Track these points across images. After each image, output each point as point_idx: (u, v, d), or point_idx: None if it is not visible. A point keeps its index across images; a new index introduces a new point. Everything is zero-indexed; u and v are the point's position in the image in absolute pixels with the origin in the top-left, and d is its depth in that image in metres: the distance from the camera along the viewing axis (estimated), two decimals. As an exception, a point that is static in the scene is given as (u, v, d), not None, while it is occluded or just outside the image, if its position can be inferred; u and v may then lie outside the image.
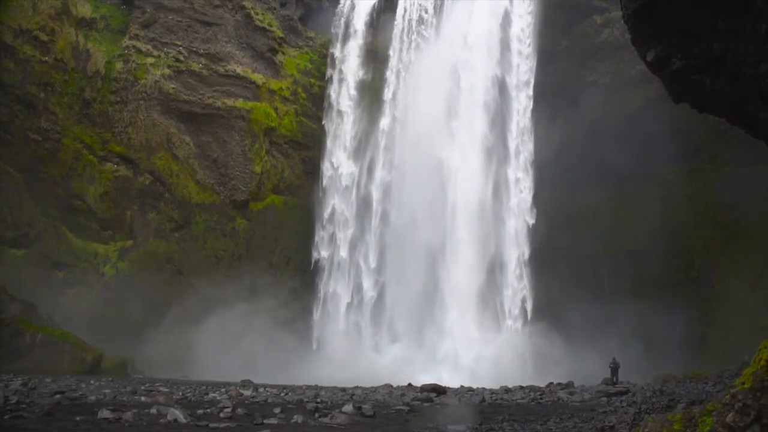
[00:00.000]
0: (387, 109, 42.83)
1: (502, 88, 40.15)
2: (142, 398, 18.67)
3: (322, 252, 42.45)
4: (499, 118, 39.83)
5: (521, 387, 25.67)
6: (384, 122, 42.65)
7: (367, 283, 40.55)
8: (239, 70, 44.34)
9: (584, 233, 37.43)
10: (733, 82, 8.87)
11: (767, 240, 32.38)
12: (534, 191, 38.69)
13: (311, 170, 45.03)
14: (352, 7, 46.51)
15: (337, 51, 45.89)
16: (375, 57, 45.01)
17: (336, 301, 40.92)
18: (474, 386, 26.11)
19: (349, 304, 40.57)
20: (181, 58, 43.71)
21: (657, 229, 36.08)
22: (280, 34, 46.31)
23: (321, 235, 42.80)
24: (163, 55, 43.35)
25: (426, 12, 43.92)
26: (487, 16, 40.87)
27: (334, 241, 42.28)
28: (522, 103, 39.99)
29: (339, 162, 43.50)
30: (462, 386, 26.17)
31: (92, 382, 25.08)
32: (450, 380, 28.80)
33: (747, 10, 7.88)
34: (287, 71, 46.00)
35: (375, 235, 41.19)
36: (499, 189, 39.00)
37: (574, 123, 37.07)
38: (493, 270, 37.77)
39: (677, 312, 32.71)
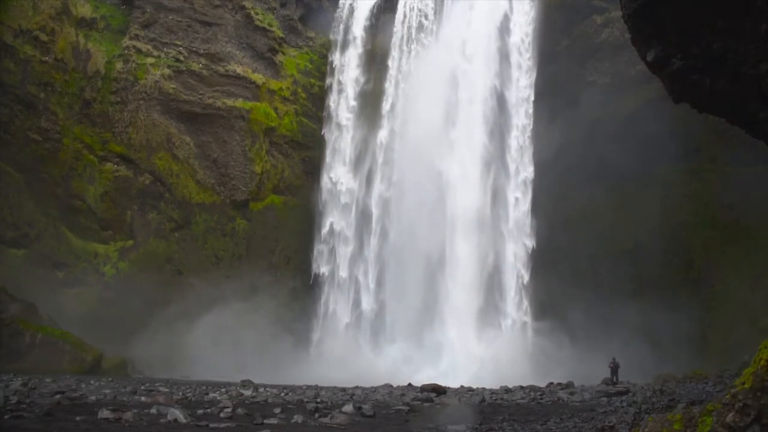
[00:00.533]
0: (385, 122, 42.47)
1: (501, 101, 39.85)
2: (142, 398, 18.66)
3: (321, 268, 42.09)
4: (498, 129, 39.60)
5: (521, 387, 25.66)
6: (382, 135, 42.34)
7: (367, 303, 40.05)
8: (239, 70, 44.35)
9: (584, 233, 37.42)
10: (733, 82, 8.87)
11: (767, 240, 32.39)
12: (533, 211, 38.15)
13: (311, 170, 45.02)
14: (351, 12, 46.20)
15: (336, 59, 45.62)
16: (375, 60, 44.85)
17: (335, 321, 40.33)
18: (474, 386, 26.11)
19: (348, 324, 40.10)
20: (181, 58, 43.72)
21: (657, 229, 36.09)
22: (280, 34, 46.31)
23: (320, 248, 42.41)
24: (163, 55, 43.36)
25: (426, 18, 43.58)
26: (485, 23, 40.49)
27: (334, 258, 41.88)
28: (521, 119, 39.59)
29: (338, 177, 43.19)
30: (462, 386, 26.17)
31: (92, 382, 25.08)
32: (450, 380, 28.77)
33: (747, 10, 7.88)
34: (287, 71, 46.00)
35: (374, 253, 40.74)
36: (497, 203, 38.67)
37: (574, 123, 37.07)
38: (492, 289, 37.34)
39: (677, 312, 32.71)
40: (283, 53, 46.25)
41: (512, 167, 39.26)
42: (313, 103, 46.10)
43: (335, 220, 42.43)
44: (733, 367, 25.47)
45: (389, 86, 43.09)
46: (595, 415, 15.38)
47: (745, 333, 29.95)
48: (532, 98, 39.65)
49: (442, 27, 42.71)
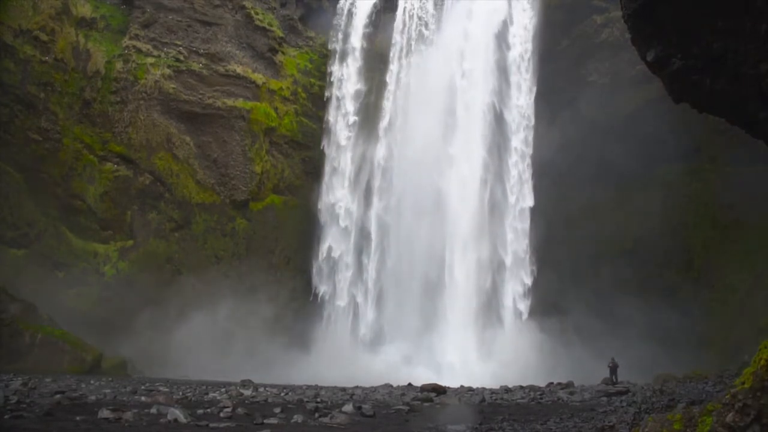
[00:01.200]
0: (383, 140, 42.06)
1: (500, 121, 39.44)
2: (142, 398, 18.66)
3: (321, 287, 41.66)
4: (496, 147, 39.13)
5: (521, 387, 25.67)
6: (380, 155, 41.96)
7: (365, 327, 39.51)
8: (239, 69, 44.34)
9: (584, 233, 37.42)
10: (733, 82, 8.87)
11: (767, 240, 32.40)
12: (533, 242, 37.62)
13: (311, 170, 45.01)
14: (350, 19, 45.78)
15: (335, 70, 45.20)
16: (375, 61, 44.62)
17: (334, 343, 39.69)
18: (474, 386, 26.11)
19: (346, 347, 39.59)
20: (181, 57, 43.72)
21: (657, 229, 36.11)
22: (280, 34, 46.30)
23: (320, 266, 41.96)
24: (163, 55, 43.36)
25: (426, 27, 43.00)
26: (483, 33, 40.01)
27: (333, 282, 41.42)
28: (520, 144, 39.02)
29: (337, 199, 42.79)
30: (462, 386, 26.17)
31: (92, 382, 25.09)
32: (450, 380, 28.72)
33: (747, 10, 7.87)
34: (287, 71, 45.99)
35: (372, 280, 40.20)
36: (495, 222, 38.31)
37: (574, 123, 37.08)
38: (491, 317, 36.97)
39: (677, 312, 32.74)
40: (283, 53, 46.25)
41: (511, 198, 38.82)
42: (313, 102, 46.10)
43: (334, 245, 41.96)
44: (733, 367, 25.47)
45: (387, 103, 42.63)
46: (594, 414, 15.38)
47: (745, 333, 29.97)
48: (533, 121, 39.09)
49: (440, 36, 42.11)
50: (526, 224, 38.28)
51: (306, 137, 45.49)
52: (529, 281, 37.35)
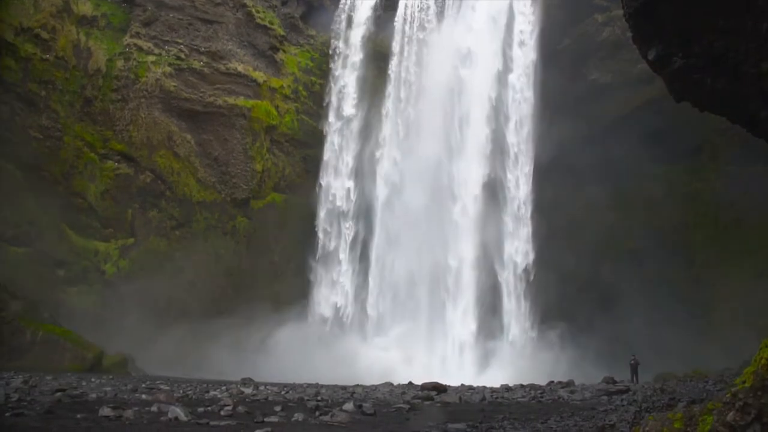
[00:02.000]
0: (384, 152, 41.80)
1: (502, 145, 39.22)
2: (143, 396, 18.66)
3: (323, 311, 41.29)
4: (499, 163, 39.07)
5: (522, 386, 25.68)
6: (381, 166, 41.69)
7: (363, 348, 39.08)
8: (240, 68, 44.32)
9: (584, 233, 37.41)
10: (733, 81, 8.88)
11: (767, 240, 32.41)
12: (536, 276, 37.20)
13: (312, 168, 44.99)
14: (349, 24, 45.28)
15: (334, 79, 44.77)
16: (378, 60, 44.49)
17: (334, 344, 39.35)
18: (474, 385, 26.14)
19: None
20: (182, 56, 43.71)
21: (658, 228, 36.10)
22: (281, 32, 46.28)
23: (324, 293, 41.55)
24: (164, 53, 43.35)
25: (426, 38, 42.44)
26: (484, 47, 39.78)
27: (336, 311, 41.02)
28: (521, 176, 38.79)
29: (336, 215, 42.48)
30: (462, 384, 26.19)
31: (93, 379, 25.13)
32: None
33: (748, 9, 7.88)
34: (288, 69, 45.98)
35: (372, 303, 39.76)
36: (498, 241, 38.14)
37: (575, 122, 37.06)
38: (492, 330, 36.75)
39: (677, 311, 32.77)
40: (284, 51, 46.22)
41: (512, 225, 38.50)
42: (314, 101, 46.07)
43: (334, 263, 41.73)
44: (734, 366, 25.51)
45: (386, 115, 42.29)
46: (595, 413, 15.38)
47: (746, 332, 29.97)
48: (533, 152, 38.69)
49: (439, 44, 41.69)
50: (530, 250, 37.70)
51: (307, 135, 45.47)
52: (534, 334, 36.44)
